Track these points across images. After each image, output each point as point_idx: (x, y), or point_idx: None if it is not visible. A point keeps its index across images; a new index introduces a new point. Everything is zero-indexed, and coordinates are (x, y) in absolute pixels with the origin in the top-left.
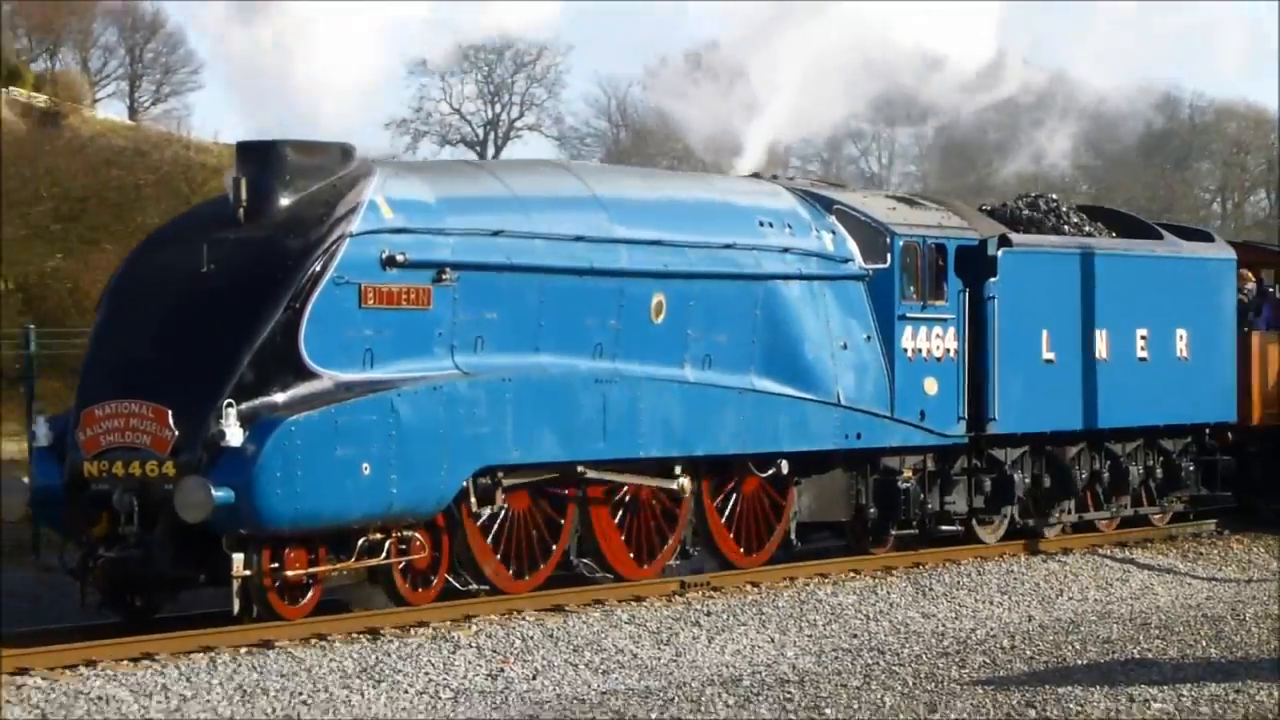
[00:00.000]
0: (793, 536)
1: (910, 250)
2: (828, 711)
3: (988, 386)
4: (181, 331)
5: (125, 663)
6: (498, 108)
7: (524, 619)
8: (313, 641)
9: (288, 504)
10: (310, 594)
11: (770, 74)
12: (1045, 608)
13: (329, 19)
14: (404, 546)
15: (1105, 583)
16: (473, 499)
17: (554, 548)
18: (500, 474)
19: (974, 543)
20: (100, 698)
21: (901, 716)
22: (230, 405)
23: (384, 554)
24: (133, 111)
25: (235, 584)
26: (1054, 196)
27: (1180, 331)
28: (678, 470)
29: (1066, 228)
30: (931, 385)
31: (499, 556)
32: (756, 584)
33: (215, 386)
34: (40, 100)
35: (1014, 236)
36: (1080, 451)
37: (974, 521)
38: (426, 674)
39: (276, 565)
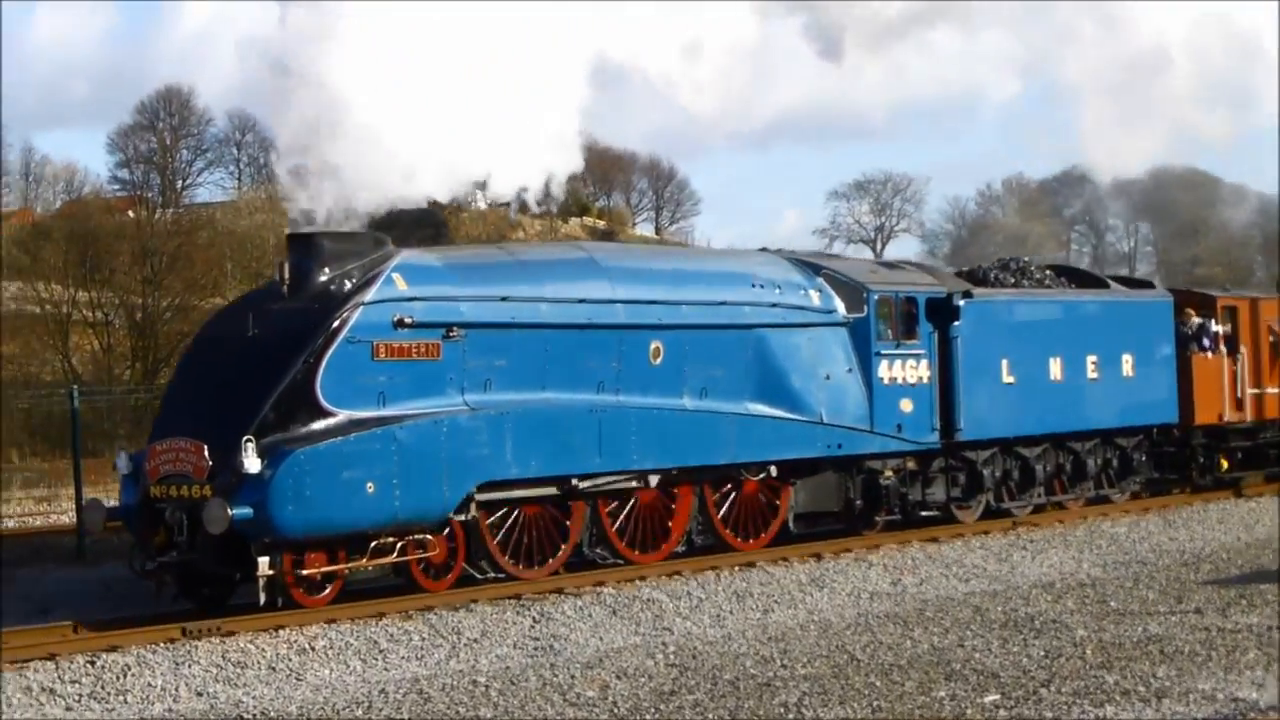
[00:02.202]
0: (790, 526)
1: (885, 302)
2: (1112, 603)
3: (955, 404)
4: (226, 383)
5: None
6: (882, 219)
7: (913, 547)
8: (779, 562)
9: (298, 517)
10: (330, 588)
11: None
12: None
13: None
14: (421, 546)
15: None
16: (472, 508)
17: (563, 544)
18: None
19: (953, 523)
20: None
21: (1160, 605)
22: (250, 440)
23: (397, 553)
24: (658, 229)
25: (261, 581)
26: (1025, 259)
27: (1126, 356)
28: (656, 479)
29: (1026, 282)
30: (907, 405)
31: (513, 549)
32: (1062, 520)
33: (242, 425)
34: (600, 224)
35: (975, 290)
36: (1044, 450)
37: (952, 507)
38: (852, 582)
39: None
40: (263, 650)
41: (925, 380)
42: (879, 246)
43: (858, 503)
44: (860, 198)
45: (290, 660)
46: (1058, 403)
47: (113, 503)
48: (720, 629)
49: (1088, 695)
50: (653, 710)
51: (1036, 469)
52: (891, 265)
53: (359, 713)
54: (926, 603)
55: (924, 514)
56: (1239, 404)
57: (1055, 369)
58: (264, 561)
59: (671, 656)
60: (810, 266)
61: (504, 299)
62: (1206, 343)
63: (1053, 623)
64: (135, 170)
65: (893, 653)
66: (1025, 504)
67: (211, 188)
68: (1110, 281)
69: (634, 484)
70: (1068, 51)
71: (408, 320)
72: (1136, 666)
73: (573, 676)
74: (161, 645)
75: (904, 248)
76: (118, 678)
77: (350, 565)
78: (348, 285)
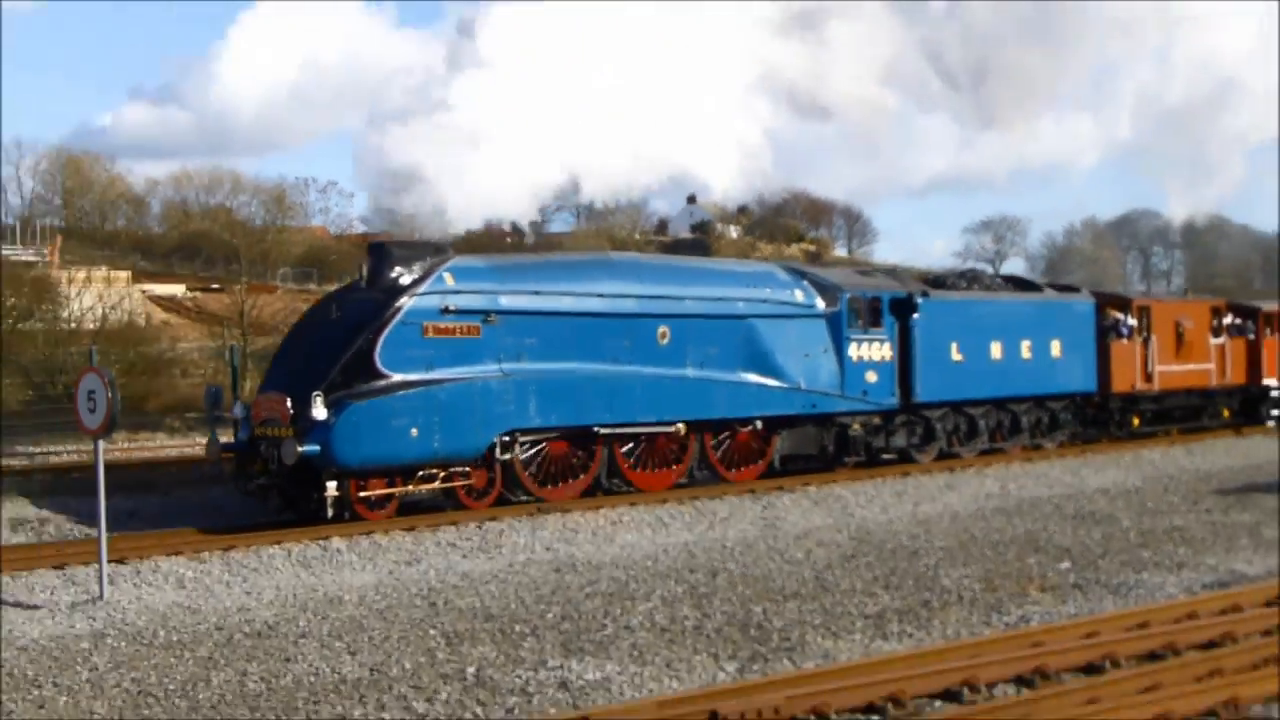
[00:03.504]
0: (776, 464)
1: (855, 300)
2: (1148, 504)
3: (913, 376)
4: (311, 352)
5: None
6: (998, 246)
7: (1015, 465)
8: (928, 473)
9: (355, 453)
10: (389, 505)
11: None
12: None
13: None
14: (465, 474)
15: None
16: (498, 448)
17: (583, 473)
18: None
19: (912, 464)
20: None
21: (1181, 506)
22: (319, 395)
23: (441, 480)
24: (850, 252)
25: (329, 500)
26: (979, 268)
27: (1054, 342)
28: (680, 427)
29: (977, 287)
30: (872, 376)
31: (542, 477)
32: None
33: (316, 383)
34: (811, 248)
35: (932, 291)
36: (987, 411)
37: (912, 452)
38: (973, 487)
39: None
40: (589, 521)
41: (888, 359)
42: (996, 266)
43: (830, 448)
44: (985, 231)
45: (606, 529)
46: (997, 375)
47: (226, 440)
48: (885, 515)
49: (1130, 565)
50: (840, 567)
51: (980, 424)
52: (866, 273)
53: (649, 564)
54: (1023, 501)
55: (885, 457)
56: (1149, 378)
57: (996, 350)
58: (331, 485)
59: (852, 533)
60: (798, 273)
61: (535, 292)
62: (1125, 332)
63: (1107, 516)
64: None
65: (999, 533)
66: (972, 449)
67: (559, 224)
68: (1045, 287)
69: (656, 431)
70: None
71: (452, 308)
72: (1164, 547)
73: (788, 544)
74: (524, 516)
75: (1014, 267)
76: (496, 537)
77: (401, 490)
78: (408, 281)
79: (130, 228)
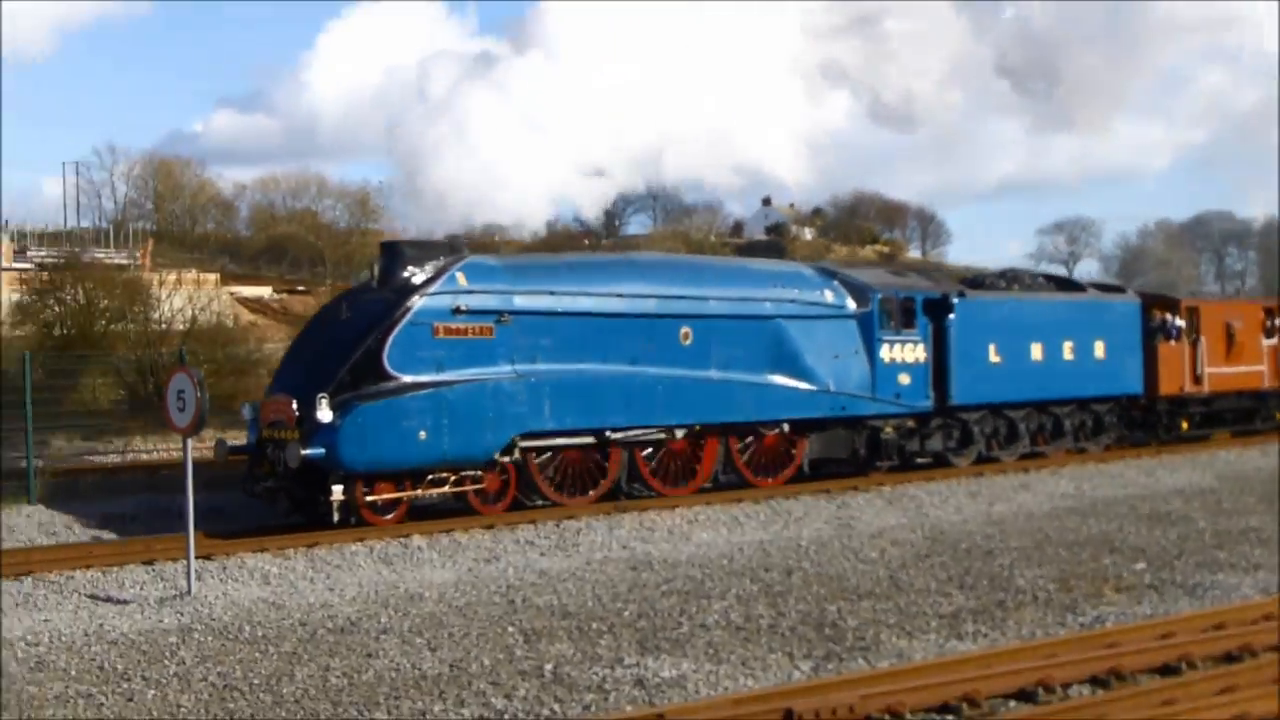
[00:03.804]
0: (805, 469)
1: (887, 300)
2: (1224, 504)
3: (948, 378)
4: (319, 352)
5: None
6: (1071, 247)
7: (1090, 466)
8: (999, 473)
9: (360, 456)
10: (397, 510)
11: None
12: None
13: None
14: (477, 478)
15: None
16: (515, 451)
17: (602, 479)
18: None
19: (949, 468)
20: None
21: (1257, 506)
22: (324, 397)
23: (453, 484)
24: (923, 253)
25: (335, 504)
26: (1019, 269)
27: (1098, 343)
28: (685, 431)
29: (1017, 287)
30: (905, 378)
31: (560, 482)
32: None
33: (323, 385)
34: (885, 250)
35: (968, 291)
36: (1028, 413)
37: (948, 456)
38: (1048, 487)
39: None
40: (664, 520)
41: (922, 360)
42: (1070, 267)
43: (861, 452)
44: (1058, 233)
45: (682, 527)
46: (1038, 377)
47: (235, 442)
48: (959, 515)
49: (1206, 566)
50: (914, 566)
51: (1020, 427)
52: (899, 273)
53: (725, 562)
54: (1097, 501)
55: (920, 461)
56: (1198, 380)
57: (1036, 352)
58: (337, 489)
59: (926, 532)
60: (828, 273)
61: (551, 292)
62: (1173, 333)
63: (1183, 517)
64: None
65: (1073, 534)
66: (1012, 453)
67: (636, 226)
68: (1088, 287)
69: (662, 435)
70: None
71: (464, 308)
72: (1239, 547)
73: (862, 544)
74: (601, 515)
75: (1087, 268)
76: (573, 535)
77: (409, 494)
78: (419, 280)
79: (219, 231)
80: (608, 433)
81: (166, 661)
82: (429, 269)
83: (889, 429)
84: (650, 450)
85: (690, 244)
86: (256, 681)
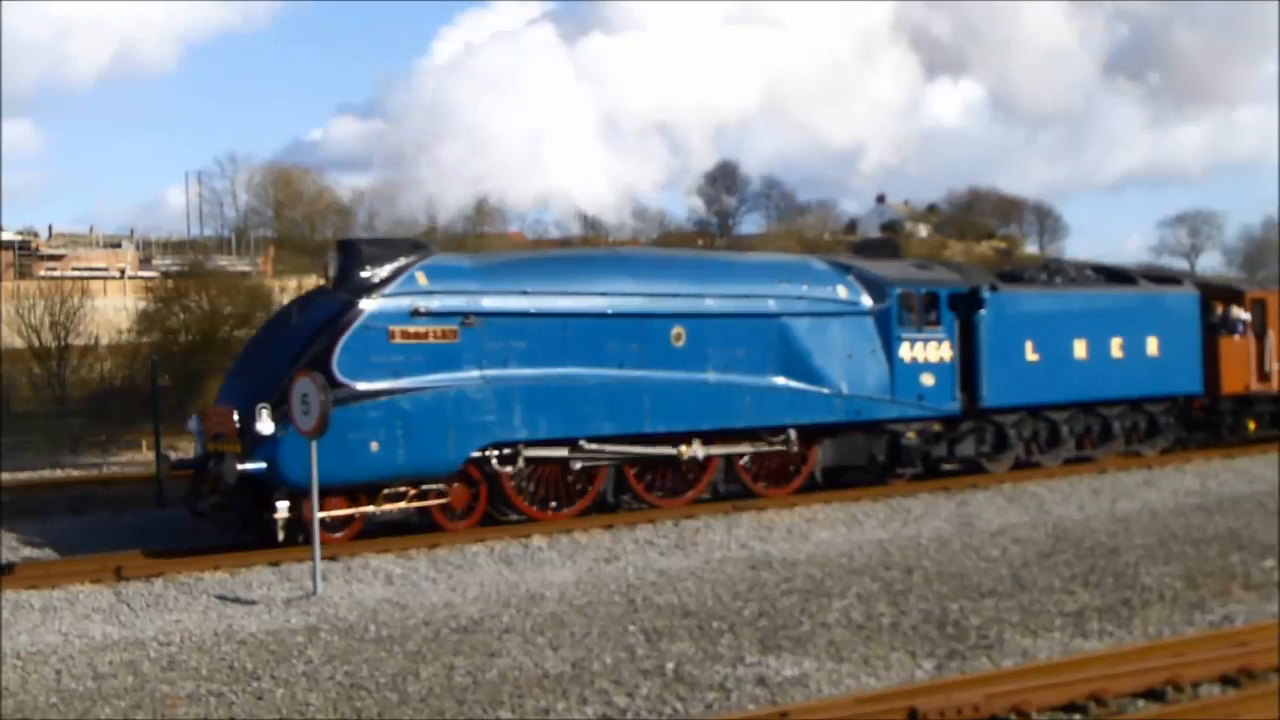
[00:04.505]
0: (818, 477)
1: (906, 296)
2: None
3: (979, 378)
4: (266, 360)
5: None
6: (1193, 240)
7: (1216, 461)
8: (1124, 470)
9: (305, 470)
10: (350, 527)
11: None
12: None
13: None
14: (443, 492)
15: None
16: (494, 462)
17: (585, 491)
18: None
19: (981, 474)
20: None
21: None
22: (264, 407)
23: (414, 499)
24: (1041, 249)
25: (279, 521)
26: (1063, 260)
27: (1150, 339)
28: (695, 442)
29: (1059, 279)
30: (928, 379)
31: (538, 496)
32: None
33: (265, 394)
34: (1002, 245)
35: (1001, 285)
36: (1072, 415)
37: (982, 461)
38: (1173, 483)
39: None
40: (783, 519)
41: (947, 359)
42: (1192, 260)
43: (880, 459)
44: (1179, 225)
45: (800, 526)
46: (1082, 376)
47: (178, 456)
48: (1082, 513)
49: None
50: (1037, 565)
51: (1063, 430)
52: (924, 266)
53: (844, 561)
54: (1224, 498)
55: (946, 468)
56: (1264, 376)
57: (1080, 349)
58: (282, 505)
59: (1049, 530)
60: (842, 267)
61: (524, 292)
62: (1240, 328)
63: None
64: (706, 213)
65: (1199, 530)
66: (1055, 458)
67: (750, 225)
68: (1140, 278)
69: (669, 450)
70: None
71: (423, 309)
72: None
73: (983, 542)
74: (719, 515)
75: (1210, 261)
76: (692, 535)
77: (361, 510)
78: (374, 281)
79: (337, 237)
80: (581, 442)
81: (294, 661)
82: (387, 269)
83: (911, 433)
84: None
85: (804, 242)
86: (382, 680)
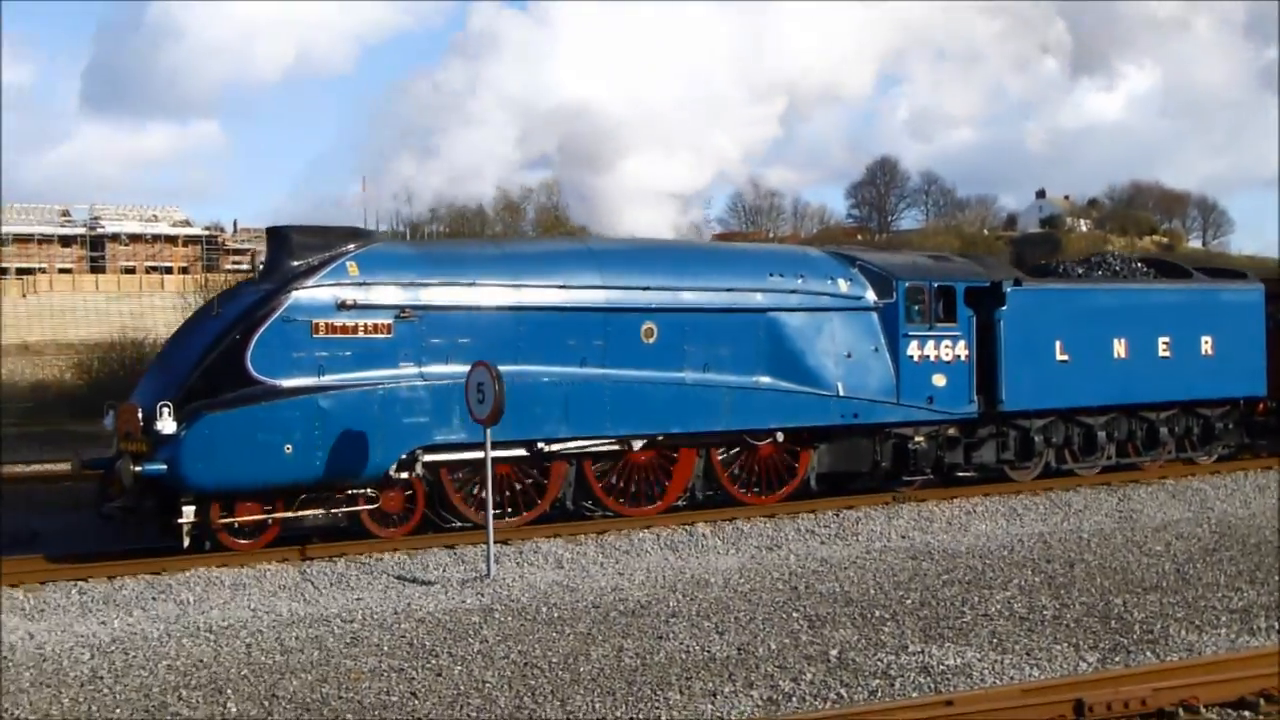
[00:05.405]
0: (812, 484)
1: (915, 290)
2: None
3: (999, 379)
4: (180, 354)
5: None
6: None
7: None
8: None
9: (209, 473)
10: (265, 533)
11: None
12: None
13: None
14: (374, 497)
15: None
16: (419, 467)
17: (541, 497)
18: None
19: (1005, 482)
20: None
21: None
22: (166, 405)
23: (332, 505)
24: (1204, 243)
25: (185, 526)
26: (1109, 254)
27: (1205, 338)
28: (641, 442)
29: (1099, 274)
30: (940, 379)
31: (496, 501)
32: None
33: (171, 391)
34: (1165, 240)
35: (1025, 279)
36: (1111, 419)
37: (1005, 468)
38: (1232, 493)
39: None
40: (943, 510)
41: (963, 359)
42: None
43: (884, 464)
44: None
45: (960, 519)
46: (1121, 378)
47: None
48: (1247, 509)
49: None
50: (1201, 560)
51: (1099, 435)
52: (938, 258)
53: (1005, 553)
54: None
55: (962, 475)
56: None
57: (1119, 348)
58: (188, 510)
59: (1213, 526)
60: (846, 258)
61: (471, 284)
62: None
63: None
64: (862, 209)
65: None
66: (1091, 466)
67: (909, 220)
68: (1195, 273)
69: (616, 447)
70: None
71: (352, 302)
72: None
73: (1145, 537)
74: (880, 505)
75: None
76: (853, 525)
77: (275, 515)
78: (301, 272)
79: (508, 233)
80: (540, 445)
81: (470, 639)
82: (317, 259)
83: (920, 438)
84: (601, 464)
85: (963, 238)
86: (555, 660)
